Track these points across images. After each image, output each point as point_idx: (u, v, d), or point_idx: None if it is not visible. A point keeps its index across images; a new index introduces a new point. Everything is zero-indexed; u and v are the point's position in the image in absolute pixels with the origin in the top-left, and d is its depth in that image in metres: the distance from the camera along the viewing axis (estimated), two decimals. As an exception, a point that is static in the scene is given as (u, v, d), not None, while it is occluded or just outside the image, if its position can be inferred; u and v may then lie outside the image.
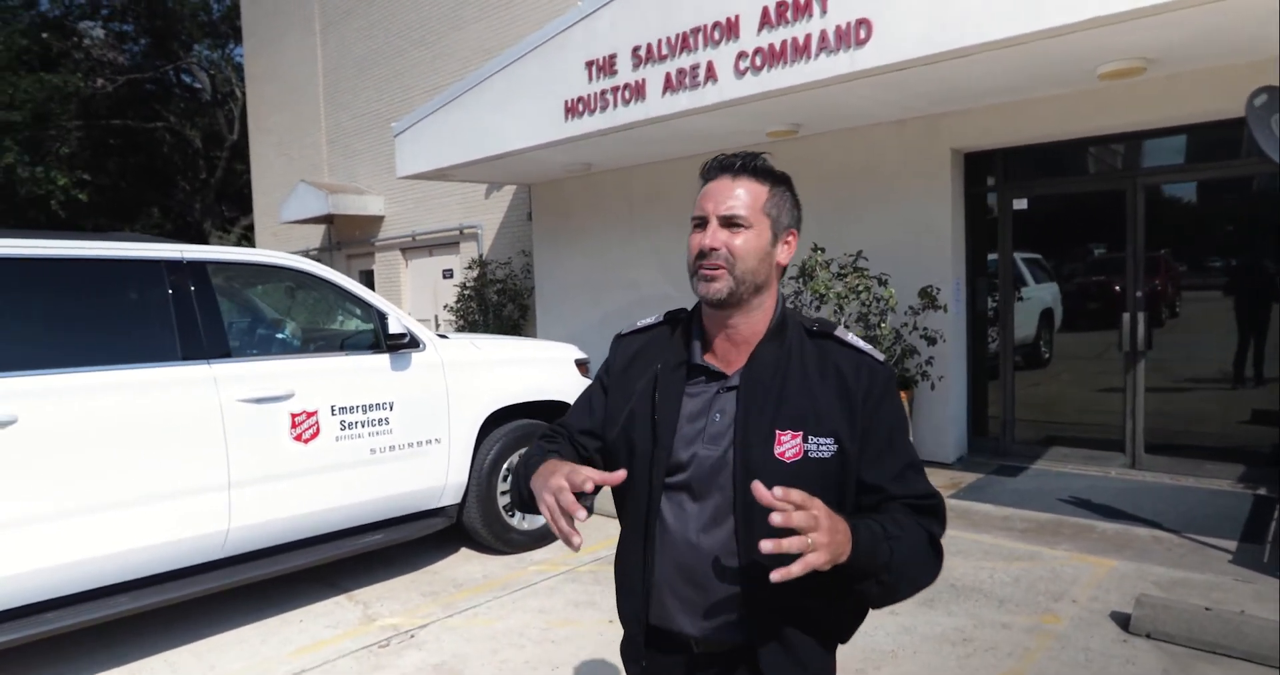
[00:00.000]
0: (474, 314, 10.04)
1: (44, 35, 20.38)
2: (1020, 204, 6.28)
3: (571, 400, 3.81)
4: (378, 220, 12.39)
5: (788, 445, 1.30)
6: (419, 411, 4.19)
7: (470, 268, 10.29)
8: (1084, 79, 5.13)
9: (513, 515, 4.64)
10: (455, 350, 4.46)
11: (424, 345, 4.29)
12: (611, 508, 1.49)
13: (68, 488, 3.09)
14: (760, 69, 5.17)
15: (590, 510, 1.27)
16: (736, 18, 5.26)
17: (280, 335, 4.47)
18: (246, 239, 21.10)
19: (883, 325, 5.86)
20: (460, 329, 10.19)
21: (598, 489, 1.27)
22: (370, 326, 4.19)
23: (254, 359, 3.76)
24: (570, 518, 1.21)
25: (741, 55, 5.25)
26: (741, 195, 1.34)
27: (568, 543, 1.23)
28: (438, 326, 11.29)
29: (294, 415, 3.72)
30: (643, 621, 1.40)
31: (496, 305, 9.90)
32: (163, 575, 3.44)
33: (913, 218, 6.32)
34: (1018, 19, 4.11)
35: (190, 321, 3.51)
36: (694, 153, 7.26)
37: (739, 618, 1.32)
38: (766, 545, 1.08)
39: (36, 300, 3.23)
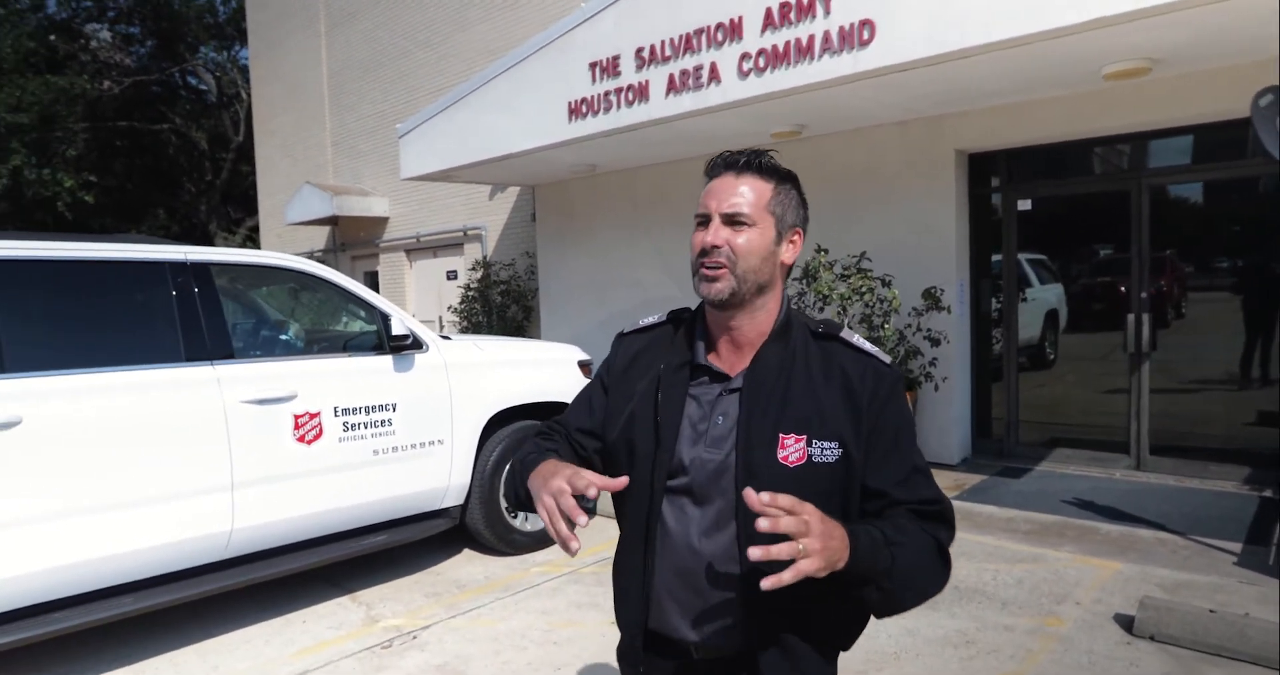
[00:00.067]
0: (478, 315, 10.06)
1: (51, 38, 20.48)
2: (1024, 205, 6.26)
3: (574, 401, 3.81)
4: (382, 221, 12.42)
5: (791, 449, 1.28)
6: (422, 413, 4.19)
7: (474, 269, 10.31)
8: (1088, 79, 5.12)
9: (515, 516, 4.64)
10: (458, 351, 4.47)
11: (427, 346, 4.30)
12: (614, 508, 1.47)
13: (72, 488, 3.10)
14: (763, 70, 5.17)
15: (592, 513, 1.23)
16: (740, 19, 5.26)
17: (284, 336, 4.48)
18: (252, 240, 21.17)
19: (886, 326, 5.85)
20: (464, 330, 10.21)
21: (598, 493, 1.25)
22: (373, 328, 4.20)
23: (257, 360, 3.77)
24: (570, 522, 1.19)
25: (745, 56, 5.25)
26: (745, 193, 1.32)
27: (565, 548, 1.19)
28: (442, 328, 11.31)
29: (297, 416, 3.72)
30: (641, 626, 1.38)
31: (500, 306, 9.91)
32: (167, 576, 3.45)
33: (916, 219, 6.31)
34: (1021, 19, 4.10)
35: (194, 323, 3.52)
36: (698, 154, 7.26)
37: (740, 624, 1.30)
38: (755, 552, 1.05)
39: (40, 302, 3.25)
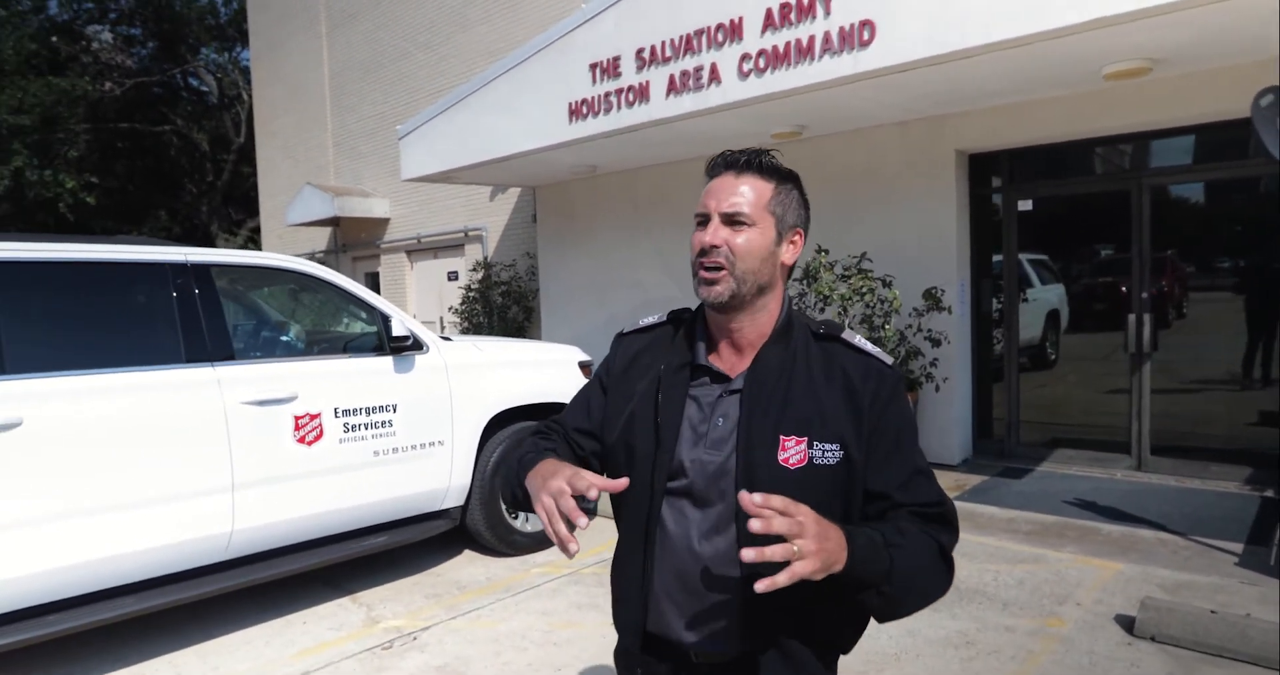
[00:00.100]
0: (479, 316, 10.06)
1: (53, 39, 20.50)
2: (1025, 205, 6.26)
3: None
4: (383, 223, 12.42)
5: (792, 451, 1.26)
6: (422, 414, 4.19)
7: (475, 270, 10.31)
8: (1089, 80, 5.12)
9: (515, 517, 4.64)
10: (458, 352, 4.47)
11: (427, 347, 4.30)
12: (612, 510, 1.45)
13: (73, 490, 3.11)
14: (764, 71, 5.17)
15: (592, 515, 1.21)
16: (740, 19, 5.26)
17: (284, 338, 4.49)
18: (253, 242, 21.19)
19: (887, 327, 5.85)
20: (465, 331, 10.21)
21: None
22: (374, 329, 4.20)
23: (258, 361, 3.77)
24: (570, 524, 1.17)
25: (745, 57, 5.25)
26: (745, 192, 1.31)
27: (563, 549, 1.17)
28: (443, 329, 11.31)
29: (297, 417, 3.73)
30: (640, 629, 1.36)
31: (501, 307, 9.91)
32: (167, 577, 3.45)
33: (917, 219, 6.31)
34: (1021, 20, 4.10)
35: (194, 324, 3.52)
36: (698, 154, 7.26)
37: (740, 628, 1.28)
38: (748, 554, 1.04)
39: (41, 303, 3.25)
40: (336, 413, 3.86)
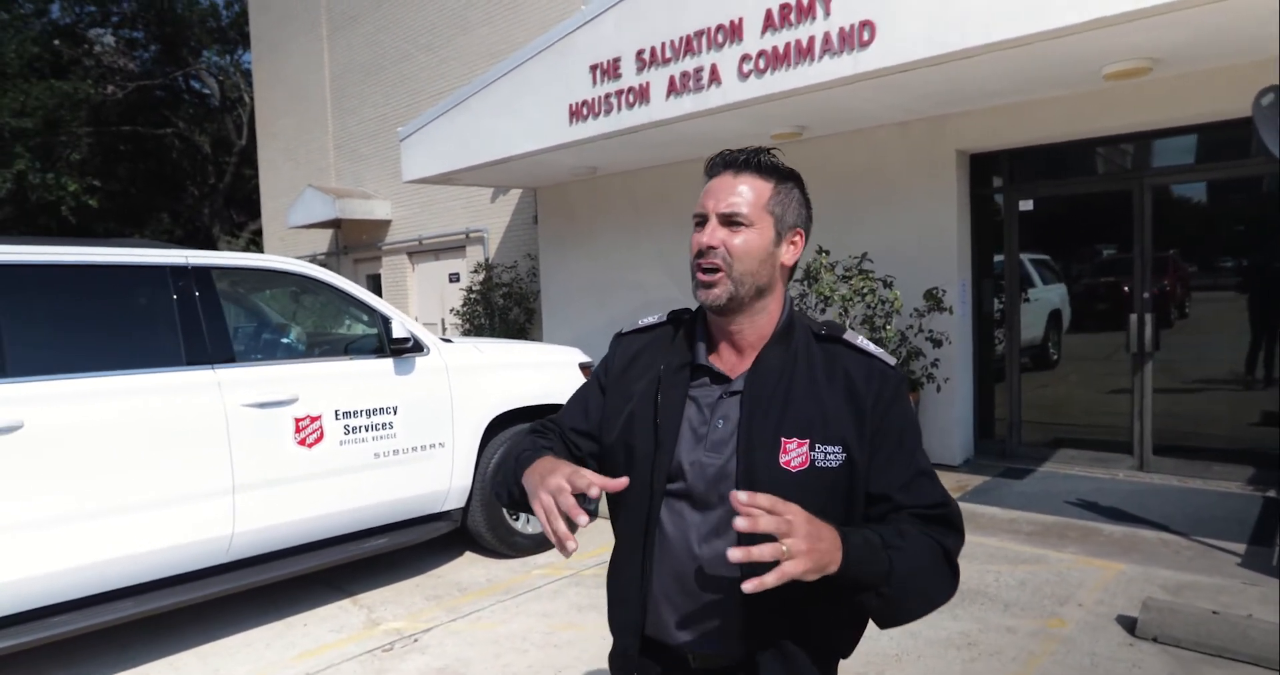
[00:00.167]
0: (480, 318, 10.06)
1: (55, 43, 20.53)
2: (1026, 205, 6.25)
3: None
4: (384, 224, 12.43)
5: (794, 454, 1.24)
6: (423, 416, 4.19)
7: (476, 271, 10.32)
8: (1089, 79, 5.11)
9: (516, 519, 4.64)
10: (459, 354, 4.47)
11: (428, 349, 4.30)
12: (609, 512, 1.44)
13: (74, 492, 3.11)
14: (764, 71, 5.17)
15: (594, 515, 1.19)
16: (740, 20, 5.26)
17: (284, 340, 4.49)
18: (255, 244, 21.21)
19: (888, 328, 5.84)
20: (466, 333, 10.21)
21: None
22: (374, 331, 4.21)
23: (258, 364, 3.78)
24: (571, 524, 1.15)
25: (745, 57, 5.25)
26: (744, 192, 1.29)
27: (561, 548, 1.15)
28: (444, 330, 11.32)
29: (298, 420, 3.73)
30: (638, 632, 1.34)
31: (502, 309, 9.92)
32: (168, 579, 3.45)
33: (918, 220, 6.30)
34: (1021, 20, 4.10)
35: (195, 327, 3.53)
36: (698, 155, 7.25)
37: (740, 632, 1.27)
38: (735, 553, 1.03)
39: (42, 306, 3.25)
40: (337, 415, 3.86)
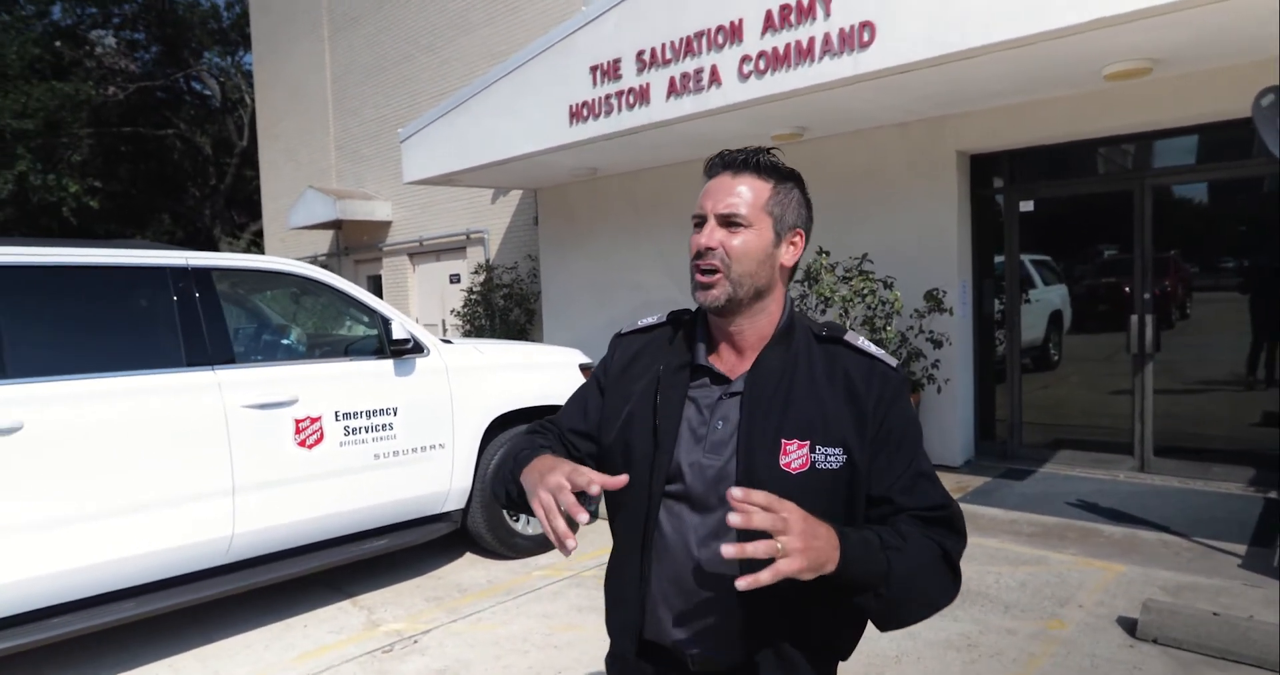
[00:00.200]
0: (481, 319, 10.07)
1: (56, 44, 20.55)
2: (1027, 206, 6.25)
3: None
4: (385, 225, 12.44)
5: (794, 455, 1.23)
6: (423, 416, 4.19)
7: (477, 272, 10.32)
8: (1090, 80, 5.11)
9: (517, 520, 4.64)
10: (459, 355, 4.47)
11: (428, 350, 4.30)
12: (607, 514, 1.43)
13: (74, 493, 3.11)
14: (764, 72, 5.17)
15: (594, 515, 1.20)
16: (740, 21, 5.26)
17: (285, 341, 4.49)
18: (256, 245, 21.22)
19: (888, 328, 5.84)
20: (467, 333, 10.21)
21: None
22: (374, 332, 4.21)
23: (258, 365, 3.77)
24: (571, 522, 1.14)
25: (745, 58, 5.25)
26: (743, 192, 1.28)
27: (561, 546, 1.13)
28: (445, 331, 11.32)
29: (298, 421, 3.73)
30: (636, 635, 1.33)
31: (503, 310, 9.92)
32: (168, 581, 3.45)
33: (918, 220, 6.30)
34: (1021, 20, 4.10)
35: (195, 328, 3.53)
36: (699, 156, 7.24)
37: (739, 635, 1.26)
38: (728, 549, 1.02)
39: (42, 307, 3.25)
40: (337, 416, 3.86)
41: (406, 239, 12.02)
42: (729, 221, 1.28)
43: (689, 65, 5.60)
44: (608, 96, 6.16)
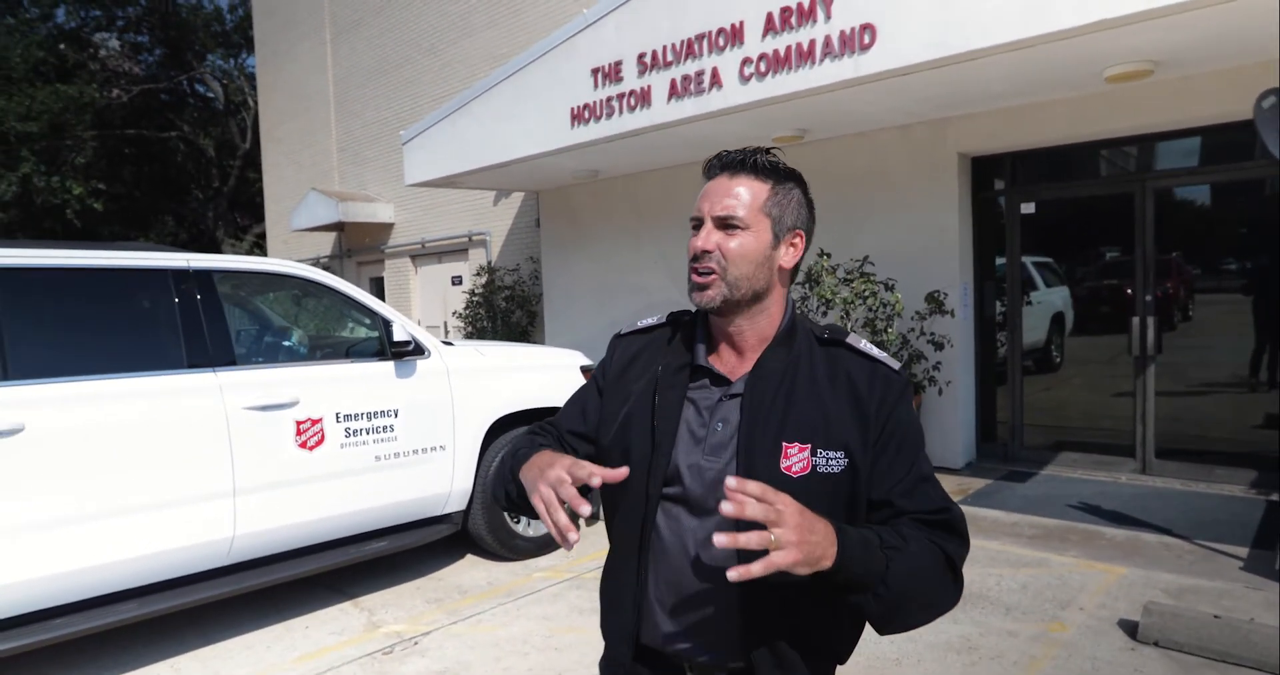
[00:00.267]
0: (482, 320, 10.07)
1: (60, 47, 20.63)
2: (1028, 208, 6.24)
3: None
4: (387, 228, 12.46)
5: (795, 459, 1.22)
6: (424, 418, 4.20)
7: (479, 274, 10.33)
8: (1091, 82, 5.11)
9: (518, 522, 4.64)
10: (460, 357, 4.47)
11: (429, 352, 4.30)
12: (604, 516, 1.43)
13: (75, 495, 3.12)
14: (765, 75, 5.17)
15: (595, 516, 1.21)
16: (741, 24, 5.26)
17: (286, 343, 4.49)
18: (259, 247, 21.26)
19: (889, 330, 5.84)
20: (469, 335, 10.22)
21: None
22: (375, 334, 4.21)
23: (259, 367, 3.78)
24: (574, 516, 1.12)
25: (746, 61, 5.26)
26: (740, 194, 1.27)
27: (563, 540, 1.12)
28: (447, 333, 11.33)
29: (299, 422, 3.73)
30: (632, 639, 1.31)
31: (505, 312, 9.93)
32: (169, 582, 3.45)
33: (920, 222, 6.30)
34: (1022, 22, 4.10)
35: (196, 330, 3.53)
36: (700, 158, 7.18)
37: (737, 639, 1.25)
38: (720, 539, 1.00)
39: (43, 309, 3.26)
40: (338, 418, 3.87)
41: (409, 241, 12.04)
42: (726, 224, 1.27)
43: (690, 67, 5.60)
44: (609, 99, 6.17)
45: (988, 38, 4.23)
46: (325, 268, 13.26)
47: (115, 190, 21.39)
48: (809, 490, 1.19)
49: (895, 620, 1.18)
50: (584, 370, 5.12)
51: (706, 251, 1.27)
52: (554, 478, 1.15)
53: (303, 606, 4.10)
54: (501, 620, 3.84)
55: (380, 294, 12.55)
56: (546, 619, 3.83)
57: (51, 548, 3.06)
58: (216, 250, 21.34)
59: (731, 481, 1.03)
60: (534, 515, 1.28)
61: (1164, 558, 4.23)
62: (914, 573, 1.15)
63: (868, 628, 1.30)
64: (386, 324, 4.14)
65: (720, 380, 1.32)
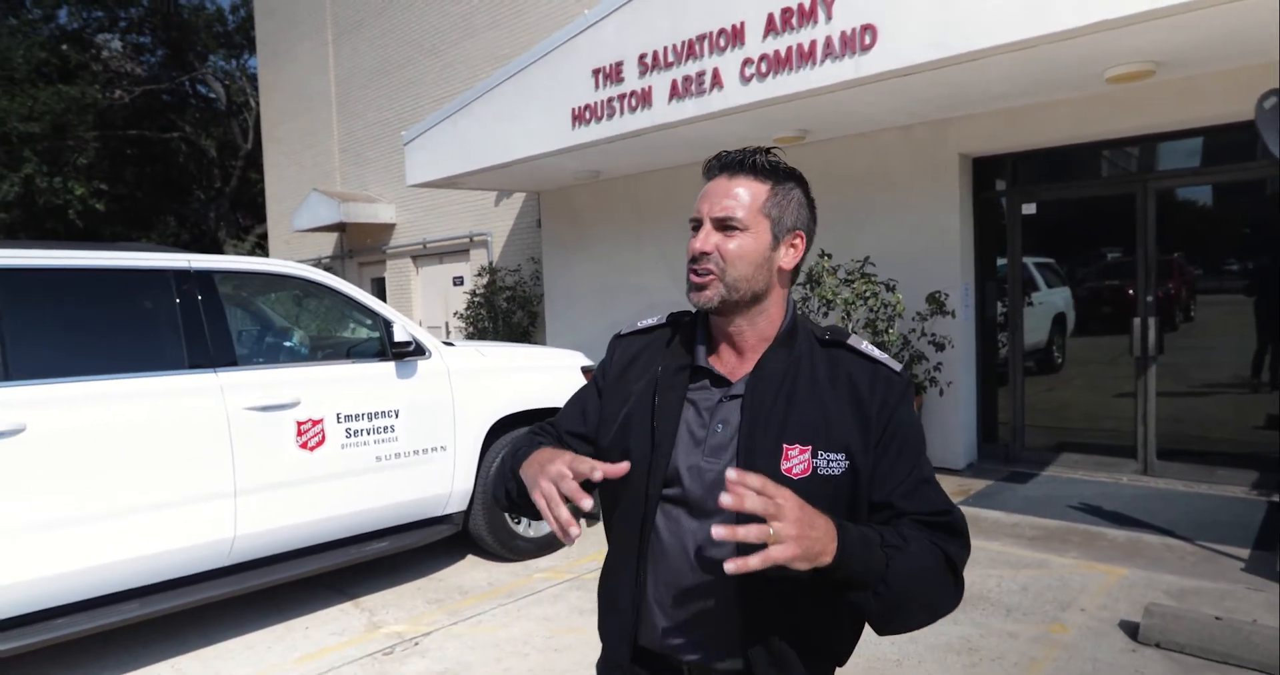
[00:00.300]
0: (484, 321, 10.08)
1: (62, 48, 20.66)
2: (1029, 208, 6.24)
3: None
4: (389, 228, 12.47)
5: (796, 460, 1.21)
6: (424, 419, 4.20)
7: (480, 275, 10.34)
8: (1092, 83, 5.11)
9: (518, 522, 4.64)
10: (461, 358, 4.47)
11: (430, 353, 4.30)
12: (603, 518, 1.42)
13: (76, 495, 3.12)
14: (765, 75, 5.17)
15: (596, 517, 1.21)
16: (742, 24, 5.26)
17: (287, 343, 4.50)
18: (260, 247, 21.28)
19: (890, 331, 5.84)
20: (470, 336, 10.23)
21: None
22: (376, 334, 4.21)
23: (260, 367, 3.78)
24: (576, 511, 1.11)
25: (747, 62, 5.26)
26: (739, 195, 1.26)
27: (565, 534, 1.11)
28: (448, 333, 11.33)
29: (300, 423, 3.74)
30: (631, 639, 1.31)
31: (506, 312, 9.93)
32: (170, 582, 3.46)
33: (921, 223, 6.29)
34: (1023, 23, 4.09)
35: (197, 330, 3.54)
36: (701, 159, 7.21)
37: (736, 641, 1.24)
38: (719, 531, 0.99)
39: (45, 310, 3.27)
40: (339, 418, 3.87)
41: (410, 241, 12.04)
42: (725, 225, 1.26)
43: (691, 68, 5.60)
44: (610, 99, 6.17)
45: (989, 38, 4.23)
46: (327, 268, 13.28)
47: (117, 191, 21.42)
48: (809, 492, 1.17)
49: (895, 620, 1.17)
50: (585, 371, 5.11)
51: (705, 253, 1.27)
52: (555, 472, 1.15)
53: (304, 607, 4.10)
54: (502, 621, 3.84)
55: (381, 294, 12.56)
56: (547, 620, 3.83)
57: (53, 548, 3.07)
58: (218, 251, 21.37)
59: (732, 473, 1.01)
60: (534, 515, 1.28)
61: (1165, 559, 4.22)
62: (914, 572, 1.14)
63: (867, 630, 1.29)
64: (387, 324, 4.14)
65: (720, 381, 1.31)
